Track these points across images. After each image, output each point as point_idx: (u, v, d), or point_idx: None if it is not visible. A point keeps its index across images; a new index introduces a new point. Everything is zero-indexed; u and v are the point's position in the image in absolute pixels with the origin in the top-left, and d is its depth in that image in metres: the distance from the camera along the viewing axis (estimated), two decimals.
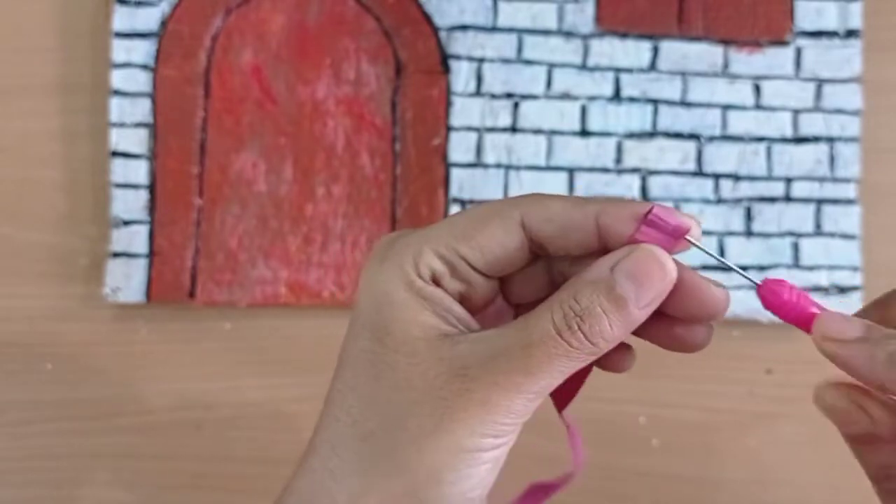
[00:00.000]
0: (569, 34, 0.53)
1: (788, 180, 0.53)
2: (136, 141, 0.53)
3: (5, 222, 0.54)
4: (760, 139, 0.53)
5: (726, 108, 0.53)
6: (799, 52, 0.54)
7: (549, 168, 0.53)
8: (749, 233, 0.53)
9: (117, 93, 0.53)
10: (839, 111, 0.53)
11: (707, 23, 0.54)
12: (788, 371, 0.53)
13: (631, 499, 0.53)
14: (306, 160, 0.53)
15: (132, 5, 0.53)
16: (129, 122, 0.53)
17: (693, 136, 0.53)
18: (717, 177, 0.53)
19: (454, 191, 0.53)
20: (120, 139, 0.52)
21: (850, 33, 0.53)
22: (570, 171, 0.53)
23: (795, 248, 0.53)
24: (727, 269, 0.31)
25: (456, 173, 0.53)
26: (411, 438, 0.28)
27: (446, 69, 0.53)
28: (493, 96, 0.53)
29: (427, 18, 0.53)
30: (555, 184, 0.53)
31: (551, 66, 0.53)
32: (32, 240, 0.53)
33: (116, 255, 0.52)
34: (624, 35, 0.53)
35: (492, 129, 0.53)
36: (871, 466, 0.32)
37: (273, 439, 0.53)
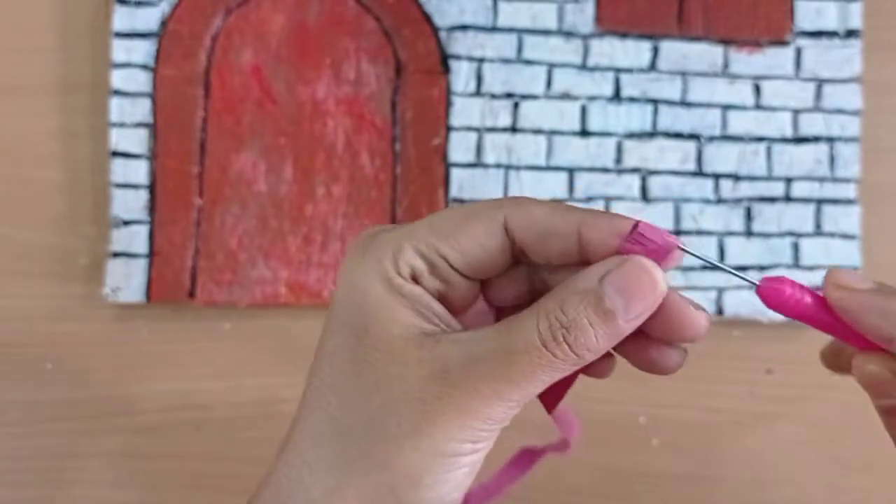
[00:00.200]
0: (569, 34, 0.53)
1: (788, 180, 0.53)
2: (136, 141, 0.53)
3: (5, 222, 0.54)
4: (760, 139, 0.53)
5: (726, 108, 0.53)
6: (799, 52, 0.54)
7: (549, 168, 0.53)
8: (749, 233, 0.53)
9: (117, 93, 0.53)
10: (839, 111, 0.53)
11: (707, 23, 0.54)
12: (788, 371, 0.53)
13: (631, 499, 0.53)
14: (306, 160, 0.53)
15: (132, 5, 0.53)
16: (129, 122, 0.53)
17: (693, 136, 0.53)
18: (717, 177, 0.53)
19: (454, 191, 0.53)
20: (120, 139, 0.53)
21: (850, 33, 0.53)
22: (570, 171, 0.53)
23: (795, 248, 0.53)
24: (724, 270, 0.31)
25: (456, 173, 0.53)
26: (390, 437, 0.28)
27: (446, 69, 0.53)
28: (493, 96, 0.53)
29: (427, 18, 0.53)
30: (555, 184, 0.53)
31: (551, 66, 0.53)
32: (32, 240, 0.53)
33: (116, 255, 0.52)
34: (624, 35, 0.53)
35: (492, 129, 0.53)
36: None
37: (273, 439, 0.53)
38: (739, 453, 0.53)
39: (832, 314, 0.30)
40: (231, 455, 0.53)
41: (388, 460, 0.28)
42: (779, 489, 0.53)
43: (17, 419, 0.53)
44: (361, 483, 0.28)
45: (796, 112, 0.53)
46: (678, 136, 0.53)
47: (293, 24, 0.53)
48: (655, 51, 0.53)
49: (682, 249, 0.29)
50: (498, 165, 0.53)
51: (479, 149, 0.53)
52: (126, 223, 0.52)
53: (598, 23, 0.53)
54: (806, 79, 0.54)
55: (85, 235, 0.54)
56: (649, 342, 0.30)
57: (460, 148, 0.53)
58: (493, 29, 0.53)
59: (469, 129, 0.53)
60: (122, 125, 0.53)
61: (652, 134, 0.53)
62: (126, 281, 0.52)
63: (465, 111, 0.53)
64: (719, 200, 0.53)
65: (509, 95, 0.53)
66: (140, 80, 0.53)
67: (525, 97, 0.53)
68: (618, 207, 0.53)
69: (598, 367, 0.31)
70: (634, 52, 0.53)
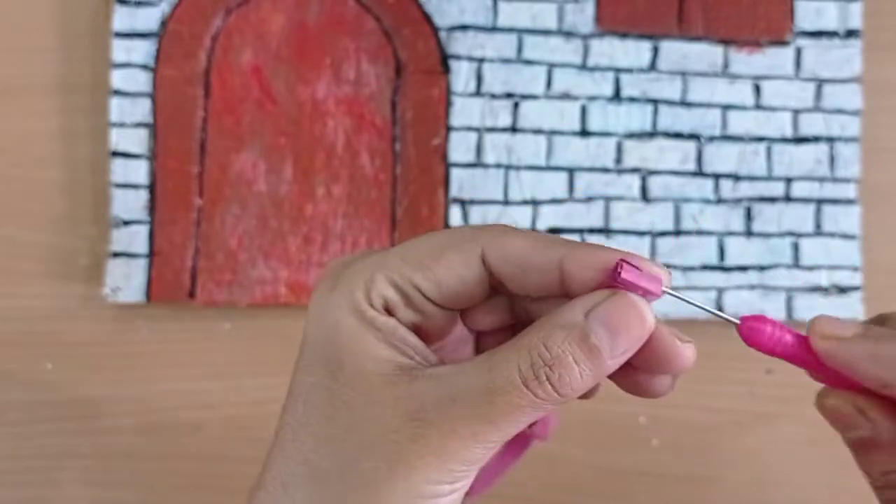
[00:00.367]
0: (569, 34, 0.53)
1: (788, 180, 0.53)
2: (136, 141, 0.53)
3: (5, 222, 0.54)
4: (760, 139, 0.53)
5: (726, 108, 0.53)
6: (799, 52, 0.54)
7: (549, 168, 0.53)
8: (749, 233, 0.53)
9: (117, 93, 0.53)
10: (839, 111, 0.53)
11: (707, 23, 0.54)
12: (788, 371, 0.53)
13: (631, 499, 0.53)
14: (306, 160, 0.53)
15: (132, 5, 0.53)
16: (129, 122, 0.53)
17: (693, 136, 0.53)
18: (717, 177, 0.53)
19: (454, 191, 0.53)
20: (120, 139, 0.52)
21: (850, 33, 0.53)
22: (570, 171, 0.53)
23: (795, 248, 0.53)
24: (705, 310, 0.30)
25: (456, 173, 0.53)
26: (367, 482, 0.27)
27: (446, 69, 0.53)
28: (493, 96, 0.53)
29: (427, 18, 0.53)
30: (555, 184, 0.53)
31: (551, 66, 0.53)
32: (32, 240, 0.53)
33: (116, 255, 0.52)
34: (624, 35, 0.53)
35: (492, 129, 0.53)
36: (873, 473, 0.31)
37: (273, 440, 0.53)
38: (739, 453, 0.53)
39: (813, 353, 0.29)
40: (231, 455, 0.53)
41: None
42: (779, 489, 0.53)
43: (17, 419, 0.53)
44: None
45: (796, 112, 0.53)
46: (678, 136, 0.53)
47: (293, 24, 0.53)
48: (655, 51, 0.53)
49: (666, 292, 0.28)
50: (498, 165, 0.53)
51: (479, 149, 0.53)
52: (126, 223, 0.52)
53: (598, 23, 0.53)
54: (806, 79, 0.54)
55: (85, 235, 0.54)
56: (637, 371, 0.29)
57: (460, 148, 0.53)
58: (493, 29, 0.53)
59: (469, 129, 0.53)
60: (122, 125, 0.53)
61: (652, 134, 0.53)
62: (126, 281, 0.52)
63: (465, 111, 0.53)
64: (719, 200, 0.53)
65: (509, 95, 0.53)
66: (140, 80, 0.53)
67: (525, 97, 0.53)
68: (618, 207, 0.53)
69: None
70: (634, 52, 0.53)
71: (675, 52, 0.53)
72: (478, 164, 0.53)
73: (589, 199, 0.53)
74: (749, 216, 0.53)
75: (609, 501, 0.53)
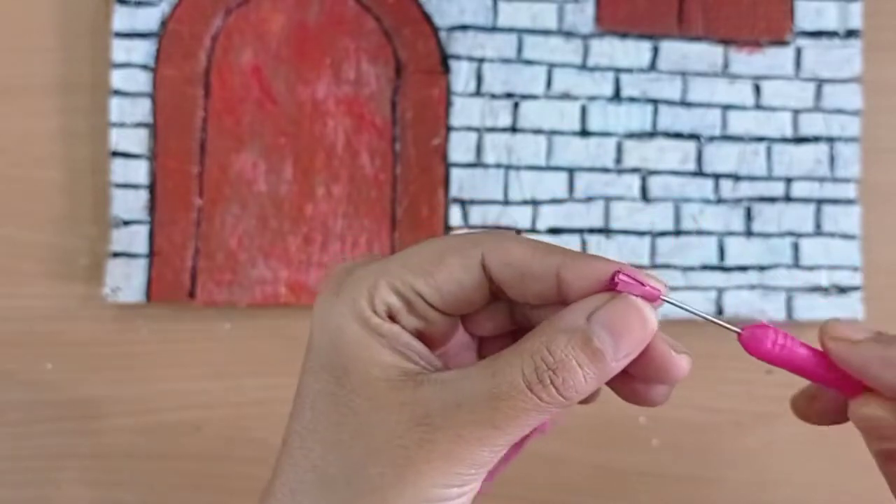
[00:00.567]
0: (569, 34, 0.53)
1: (788, 180, 0.53)
2: (136, 141, 0.53)
3: (5, 222, 0.54)
4: (760, 139, 0.53)
5: (726, 108, 0.53)
6: (799, 52, 0.54)
7: (549, 168, 0.53)
8: (749, 233, 0.53)
9: (117, 93, 0.53)
10: (839, 111, 0.53)
11: (707, 23, 0.54)
12: (788, 371, 0.53)
13: (631, 499, 0.53)
14: (306, 160, 0.53)
15: (132, 5, 0.53)
16: (129, 122, 0.53)
17: (693, 136, 0.53)
18: (717, 177, 0.53)
19: (454, 191, 0.53)
20: (120, 139, 0.52)
21: (850, 33, 0.53)
22: (570, 171, 0.53)
23: (795, 248, 0.53)
24: (705, 319, 0.30)
25: (456, 173, 0.53)
26: (374, 488, 0.27)
27: (446, 69, 0.53)
28: (493, 96, 0.53)
29: (427, 18, 0.53)
30: (555, 184, 0.53)
31: (551, 66, 0.53)
32: (32, 240, 0.53)
33: (116, 255, 0.52)
34: (624, 35, 0.53)
35: (492, 129, 0.53)
36: None
37: (273, 439, 0.53)
38: (739, 453, 0.53)
39: (816, 361, 0.29)
40: (231, 455, 0.53)
41: None
42: (779, 489, 0.53)
43: (17, 419, 0.53)
44: None
45: (796, 112, 0.53)
46: (678, 136, 0.53)
47: (293, 24, 0.53)
48: (655, 51, 0.53)
49: (665, 300, 0.28)
50: (498, 165, 0.53)
51: (479, 149, 0.53)
52: (126, 223, 0.52)
53: (598, 23, 0.53)
54: (806, 79, 0.54)
55: (85, 235, 0.54)
56: (633, 379, 0.29)
57: (460, 148, 0.53)
58: (493, 29, 0.53)
59: (469, 129, 0.53)
60: (122, 125, 0.53)
61: (652, 134, 0.53)
62: (126, 281, 0.52)
63: (465, 111, 0.53)
64: (719, 200, 0.53)
65: (509, 95, 0.53)
66: (140, 80, 0.53)
67: (525, 97, 0.53)
68: (618, 207, 0.53)
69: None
70: (634, 52, 0.53)
71: (675, 52, 0.53)
72: (478, 164, 0.53)
73: (589, 199, 0.53)
74: (749, 216, 0.53)
75: (609, 501, 0.53)
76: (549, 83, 0.53)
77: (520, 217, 0.53)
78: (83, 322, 0.53)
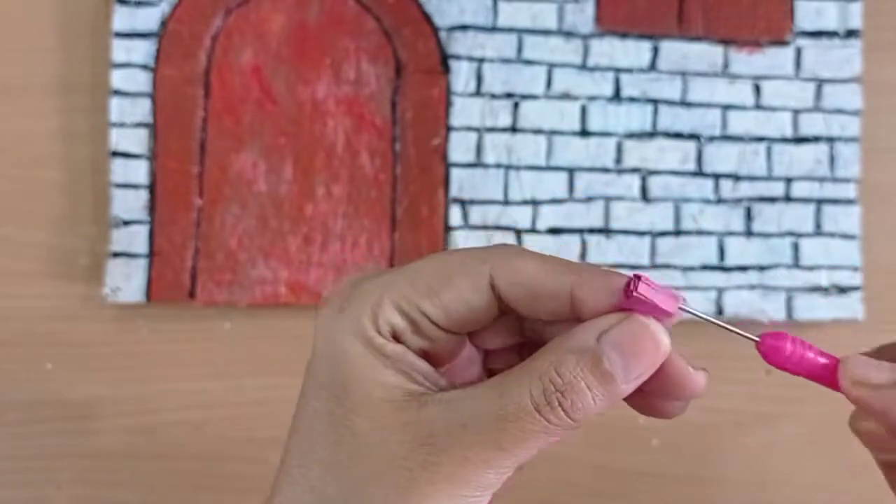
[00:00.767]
0: (569, 34, 0.53)
1: (788, 180, 0.53)
2: (136, 141, 0.52)
3: (5, 222, 0.54)
4: (760, 139, 0.53)
5: (726, 108, 0.53)
6: (799, 52, 0.54)
7: (549, 168, 0.53)
8: (749, 233, 0.53)
9: (117, 93, 0.53)
10: (839, 111, 0.53)
11: (707, 23, 0.54)
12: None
13: (631, 499, 0.53)
14: (306, 160, 0.53)
15: (132, 5, 0.53)
16: (129, 122, 0.53)
17: (693, 136, 0.53)
18: (717, 177, 0.53)
19: (454, 191, 0.53)
20: (120, 139, 0.52)
21: (850, 33, 0.53)
22: (570, 171, 0.53)
23: (795, 248, 0.53)
24: (724, 328, 0.30)
25: (456, 173, 0.53)
26: None
27: (446, 69, 0.53)
28: (493, 96, 0.53)
29: (427, 18, 0.53)
30: (555, 184, 0.53)
31: (551, 66, 0.53)
32: (32, 240, 0.53)
33: (116, 255, 0.52)
34: (624, 35, 0.53)
35: (492, 129, 0.53)
36: None
37: (273, 439, 0.53)
38: (739, 453, 0.53)
39: (834, 370, 0.29)
40: (231, 455, 0.53)
41: None
42: (779, 489, 0.53)
43: (17, 419, 0.53)
44: None
45: (796, 112, 0.53)
46: (678, 136, 0.53)
47: (293, 24, 0.53)
48: (655, 51, 0.53)
49: (683, 310, 0.27)
50: (498, 165, 0.53)
51: (479, 149, 0.53)
52: (126, 223, 0.52)
53: (598, 23, 0.53)
54: (806, 79, 0.54)
55: (85, 235, 0.54)
56: (648, 394, 0.28)
57: (460, 148, 0.53)
58: (493, 29, 0.53)
59: (469, 129, 0.53)
60: (122, 125, 0.53)
61: (652, 134, 0.53)
62: (126, 281, 0.52)
63: (465, 111, 0.53)
64: (719, 200, 0.53)
65: (509, 95, 0.53)
66: (140, 80, 0.53)
67: (525, 97, 0.53)
68: (618, 207, 0.53)
69: None
70: (634, 52, 0.53)
71: (675, 52, 0.53)
72: (478, 164, 0.53)
73: (589, 199, 0.53)
74: (749, 216, 0.53)
75: (609, 501, 0.53)
76: (549, 83, 0.53)
77: (520, 217, 0.53)
78: (83, 322, 0.53)
